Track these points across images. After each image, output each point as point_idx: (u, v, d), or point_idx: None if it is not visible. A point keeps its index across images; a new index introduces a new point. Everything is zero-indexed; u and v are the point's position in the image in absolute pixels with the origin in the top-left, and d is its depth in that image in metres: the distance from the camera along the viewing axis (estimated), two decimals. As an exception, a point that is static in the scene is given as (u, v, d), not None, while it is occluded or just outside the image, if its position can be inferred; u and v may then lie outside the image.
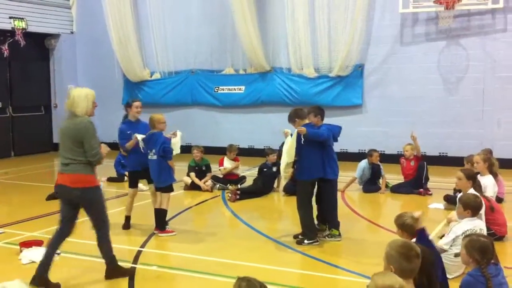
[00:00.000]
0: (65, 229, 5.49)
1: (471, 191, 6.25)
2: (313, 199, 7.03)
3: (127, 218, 7.69)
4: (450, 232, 5.46)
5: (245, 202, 9.22)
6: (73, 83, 16.73)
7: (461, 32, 12.31)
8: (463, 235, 4.86)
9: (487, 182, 7.36)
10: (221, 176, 10.48)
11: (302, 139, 6.53)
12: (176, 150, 7.46)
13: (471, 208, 5.51)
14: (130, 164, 7.79)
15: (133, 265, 5.97)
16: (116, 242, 6.15)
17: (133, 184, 7.76)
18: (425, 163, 9.75)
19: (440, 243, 5.45)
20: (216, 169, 10.69)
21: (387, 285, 2.89)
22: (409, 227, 4.57)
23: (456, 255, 5.22)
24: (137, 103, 7.78)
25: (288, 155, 6.65)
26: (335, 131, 7.01)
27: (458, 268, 5.38)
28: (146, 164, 7.35)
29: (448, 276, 4.69)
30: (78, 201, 5.40)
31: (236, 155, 10.64)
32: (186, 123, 14.15)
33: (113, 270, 5.61)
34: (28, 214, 8.39)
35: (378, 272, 3.03)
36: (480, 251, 3.97)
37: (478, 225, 5.49)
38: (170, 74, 15.53)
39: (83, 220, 8.35)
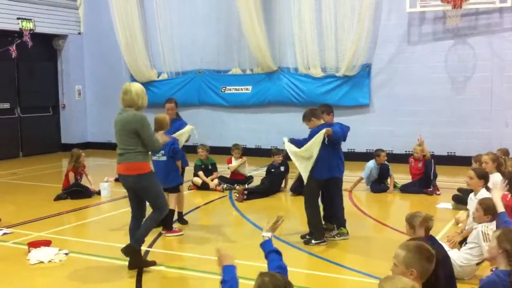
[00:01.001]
0: (137, 214, 5.94)
1: (483, 190, 6.14)
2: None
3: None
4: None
5: (252, 202, 9.21)
6: (81, 83, 16.89)
7: (468, 31, 12.24)
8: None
9: (497, 180, 7.28)
10: (228, 176, 10.48)
11: (326, 139, 6.46)
12: (181, 142, 7.57)
13: (493, 213, 5.42)
14: None
15: (141, 265, 5.98)
16: (123, 241, 6.16)
17: None
18: (432, 160, 9.69)
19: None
20: (222, 169, 10.69)
21: None
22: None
23: (477, 263, 5.20)
24: (167, 105, 7.94)
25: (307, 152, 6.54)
26: (345, 131, 6.97)
27: (470, 272, 5.35)
28: None
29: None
30: (134, 188, 5.76)
31: (241, 155, 10.60)
32: (193, 123, 13.86)
33: (136, 259, 5.78)
34: (36, 214, 8.42)
35: (384, 278, 2.92)
36: None
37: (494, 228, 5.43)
38: (177, 74, 15.54)
39: (89, 220, 8.44)
